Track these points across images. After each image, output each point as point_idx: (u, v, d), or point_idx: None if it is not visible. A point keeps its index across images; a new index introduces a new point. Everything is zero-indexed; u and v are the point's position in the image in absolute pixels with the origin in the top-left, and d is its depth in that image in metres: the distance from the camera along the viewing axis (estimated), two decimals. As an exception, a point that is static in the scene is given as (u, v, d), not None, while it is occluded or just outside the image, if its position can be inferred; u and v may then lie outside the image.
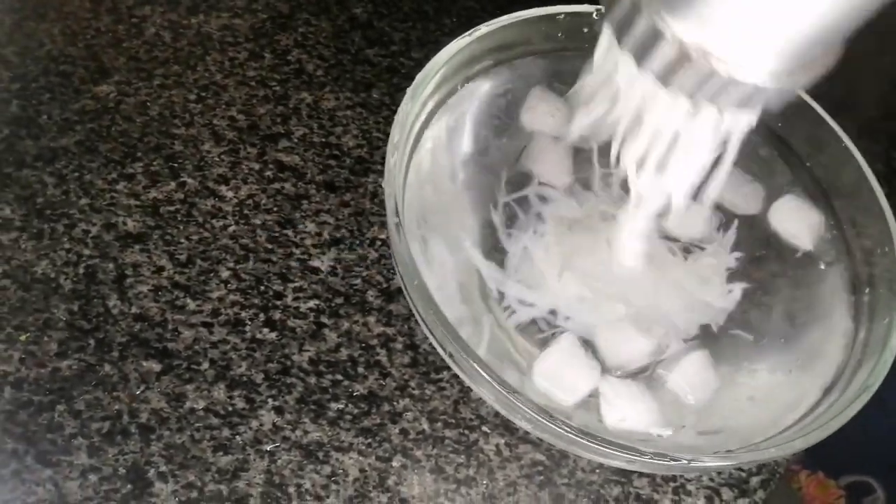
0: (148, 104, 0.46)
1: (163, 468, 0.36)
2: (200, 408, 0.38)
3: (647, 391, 0.35)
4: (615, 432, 0.33)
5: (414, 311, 0.34)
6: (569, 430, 0.29)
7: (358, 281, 0.42)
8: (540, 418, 0.29)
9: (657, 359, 0.36)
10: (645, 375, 0.36)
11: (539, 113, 0.41)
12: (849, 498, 0.65)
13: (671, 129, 0.26)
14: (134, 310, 0.40)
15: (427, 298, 0.31)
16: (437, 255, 0.37)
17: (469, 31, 0.39)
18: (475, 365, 0.30)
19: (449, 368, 0.37)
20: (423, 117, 0.38)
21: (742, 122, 0.26)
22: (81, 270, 0.40)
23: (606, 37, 0.26)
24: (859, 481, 0.64)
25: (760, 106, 0.23)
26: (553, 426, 0.29)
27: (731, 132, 0.26)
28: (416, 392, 0.39)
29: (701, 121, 0.25)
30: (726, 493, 0.39)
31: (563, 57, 0.42)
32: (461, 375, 0.32)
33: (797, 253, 0.40)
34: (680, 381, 0.35)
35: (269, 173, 0.45)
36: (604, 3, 0.23)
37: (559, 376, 0.34)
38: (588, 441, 0.29)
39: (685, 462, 0.29)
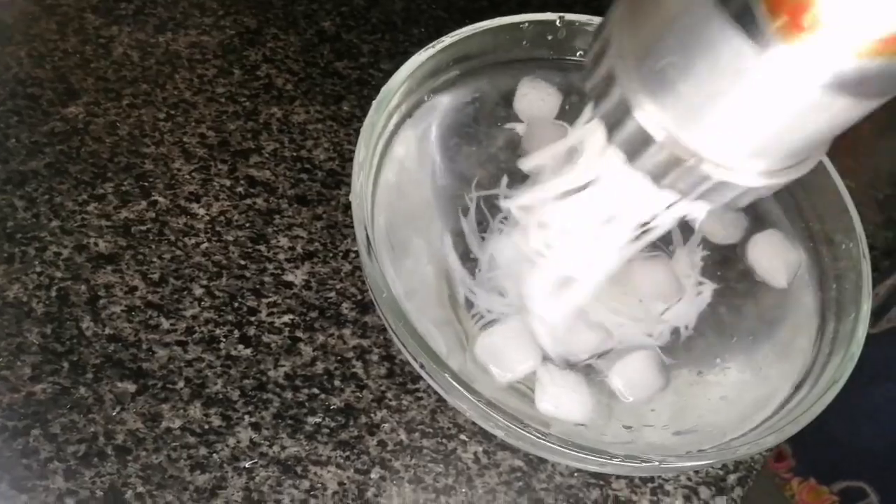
0: (117, 124, 0.46)
1: (140, 489, 0.36)
2: (177, 427, 0.38)
3: (584, 384, 0.35)
4: (546, 419, 0.33)
5: (385, 324, 0.34)
6: (541, 436, 0.29)
7: (332, 294, 0.42)
8: (512, 426, 0.29)
9: (599, 353, 0.36)
10: (585, 368, 0.37)
11: (532, 99, 0.42)
12: (843, 503, 0.66)
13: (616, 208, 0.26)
14: (108, 331, 0.40)
15: (396, 310, 0.31)
16: (408, 265, 0.37)
17: (432, 43, 0.39)
18: (446, 376, 0.30)
19: (424, 380, 0.37)
20: (389, 129, 0.38)
21: (702, 209, 0.25)
22: (54, 293, 0.40)
23: (592, 127, 0.25)
24: (852, 486, 0.65)
25: (744, 201, 0.23)
26: (526, 433, 0.29)
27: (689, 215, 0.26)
28: (394, 403, 0.40)
29: (671, 210, 0.25)
30: (704, 492, 0.39)
31: (527, 65, 0.42)
32: (434, 387, 0.33)
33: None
34: (617, 380, 0.35)
35: (240, 189, 0.45)
36: (589, 88, 0.22)
37: (499, 353, 0.34)
38: (560, 446, 0.29)
39: (656, 464, 0.29)
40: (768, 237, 0.39)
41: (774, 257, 0.38)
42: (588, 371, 0.36)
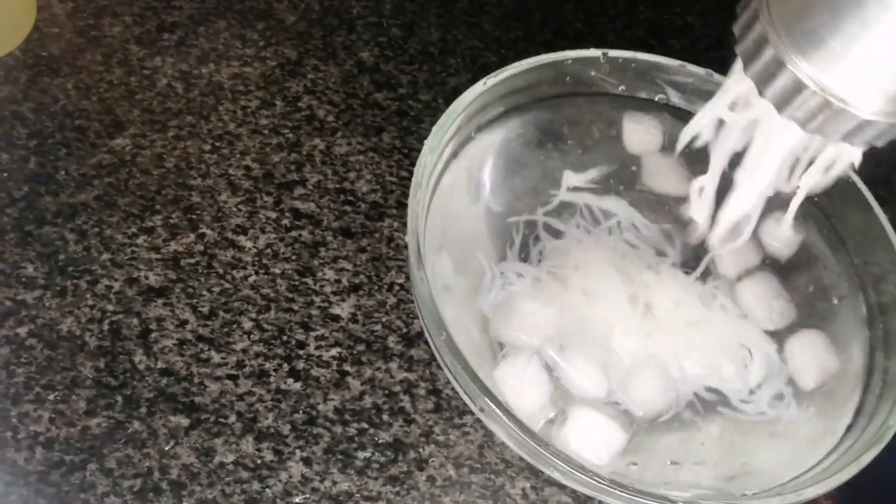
0: (164, 156, 0.47)
1: (195, 523, 0.37)
2: (230, 461, 0.38)
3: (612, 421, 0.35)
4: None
5: (442, 365, 0.34)
6: (599, 480, 0.29)
7: (378, 327, 0.43)
8: (572, 470, 0.30)
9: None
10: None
11: (641, 133, 0.43)
12: None
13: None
14: (160, 364, 0.40)
15: (456, 354, 0.32)
16: (457, 300, 0.37)
17: (481, 81, 0.40)
18: (505, 419, 0.30)
19: (472, 412, 0.37)
20: (439, 167, 0.39)
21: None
22: (106, 327, 0.41)
23: (740, 78, 0.28)
24: None
25: (866, 140, 0.26)
26: (584, 477, 0.30)
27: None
28: (441, 438, 0.40)
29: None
30: (750, 527, 0.40)
31: (572, 101, 0.43)
32: (492, 428, 0.33)
33: (810, 287, 0.41)
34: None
35: (285, 222, 0.46)
36: (741, 51, 0.25)
37: (518, 387, 0.36)
38: (618, 490, 0.29)
39: (715, 509, 0.29)
40: (812, 337, 0.39)
41: (811, 357, 0.38)
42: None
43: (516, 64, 0.41)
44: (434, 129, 0.38)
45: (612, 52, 0.43)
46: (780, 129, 0.28)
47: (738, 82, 0.29)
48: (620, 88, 0.44)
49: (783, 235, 0.41)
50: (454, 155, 0.40)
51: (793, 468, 0.33)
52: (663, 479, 0.34)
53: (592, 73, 0.43)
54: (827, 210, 0.42)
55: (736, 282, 0.41)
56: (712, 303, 0.40)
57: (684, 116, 0.43)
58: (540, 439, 0.30)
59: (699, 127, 0.33)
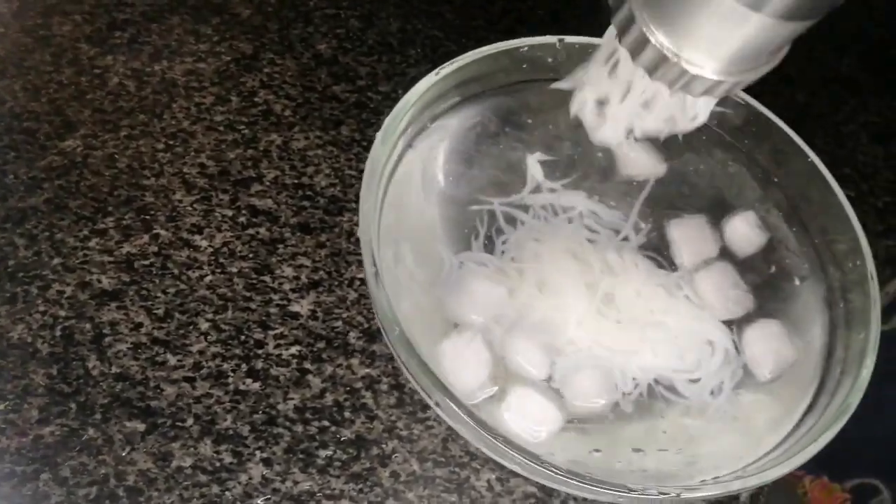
0: (116, 156, 0.46)
1: (153, 530, 0.36)
2: (188, 465, 0.37)
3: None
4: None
5: (397, 360, 0.34)
6: (557, 471, 0.29)
7: (339, 323, 0.42)
8: (529, 461, 0.29)
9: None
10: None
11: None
12: (854, 501, 0.66)
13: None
14: (114, 369, 0.39)
15: (409, 348, 0.31)
16: (413, 292, 0.37)
17: (434, 71, 0.39)
18: (461, 413, 0.30)
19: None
20: (394, 158, 0.38)
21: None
22: (58, 333, 0.40)
23: (611, 33, 0.31)
24: (864, 483, 0.65)
25: (722, 93, 0.29)
26: (542, 469, 0.29)
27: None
28: (404, 433, 0.39)
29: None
30: (718, 512, 0.39)
31: (528, 88, 0.42)
32: (450, 423, 0.32)
33: (771, 268, 0.41)
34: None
35: (242, 219, 0.45)
36: (613, 9, 0.29)
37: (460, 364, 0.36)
38: (576, 480, 0.29)
39: (674, 495, 0.29)
40: (769, 327, 0.39)
41: (767, 348, 0.38)
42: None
43: (471, 52, 0.40)
44: (387, 119, 0.37)
45: (568, 39, 0.42)
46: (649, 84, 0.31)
47: (614, 45, 0.31)
48: (578, 74, 0.43)
49: (747, 234, 0.41)
50: (409, 145, 0.39)
51: (753, 451, 0.32)
52: (628, 467, 0.34)
53: (549, 60, 0.42)
54: (788, 191, 0.42)
55: (694, 272, 0.41)
56: (676, 293, 0.39)
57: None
58: (495, 431, 0.29)
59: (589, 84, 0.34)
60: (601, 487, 0.29)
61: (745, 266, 0.41)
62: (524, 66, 0.42)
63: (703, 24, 0.26)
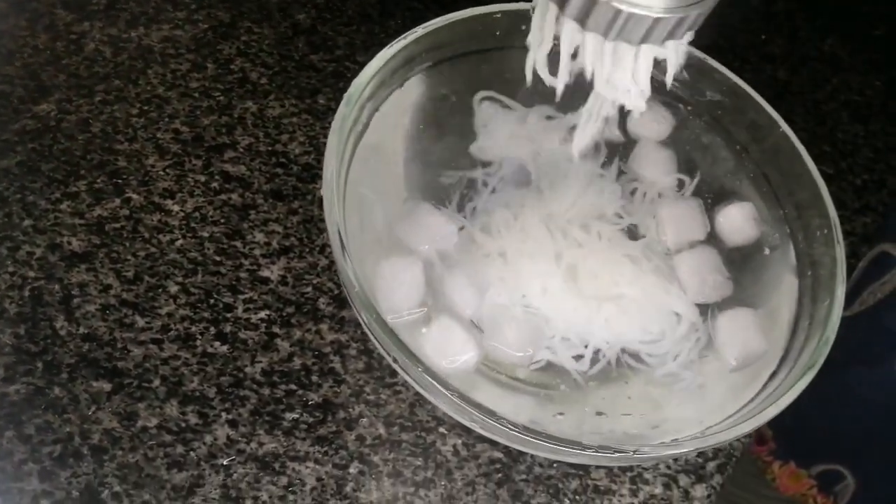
0: (90, 121, 0.46)
1: (117, 488, 0.36)
2: (153, 425, 0.37)
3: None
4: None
5: (359, 319, 0.34)
6: (515, 428, 0.29)
7: (309, 289, 0.42)
8: (487, 419, 0.29)
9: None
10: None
11: (646, 119, 0.42)
12: (820, 486, 0.66)
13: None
14: (82, 330, 0.39)
15: (368, 305, 0.31)
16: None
17: (404, 35, 0.39)
18: (419, 370, 0.30)
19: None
20: (362, 122, 0.38)
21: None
22: (27, 293, 0.40)
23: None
24: (829, 469, 0.65)
25: (665, 36, 0.26)
26: (500, 426, 0.29)
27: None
28: (372, 397, 0.39)
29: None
30: (683, 480, 0.39)
31: (501, 55, 0.42)
32: (409, 382, 0.32)
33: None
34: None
35: (215, 185, 0.45)
36: None
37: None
38: (534, 438, 0.29)
39: (629, 453, 0.29)
40: (742, 315, 0.38)
41: (737, 336, 0.37)
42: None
43: (442, 17, 0.40)
44: (354, 81, 0.37)
45: (543, 5, 0.42)
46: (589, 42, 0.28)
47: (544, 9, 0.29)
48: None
49: (740, 225, 0.41)
50: (377, 109, 0.39)
51: (715, 416, 0.32)
52: (589, 429, 0.34)
53: (523, 27, 0.42)
54: (761, 162, 0.42)
55: (676, 253, 0.40)
56: (643, 264, 0.39)
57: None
58: (454, 389, 0.29)
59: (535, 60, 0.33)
60: (557, 445, 0.29)
61: (731, 254, 0.40)
62: (497, 32, 0.42)
63: None
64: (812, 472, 0.66)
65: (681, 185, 0.42)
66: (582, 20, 0.25)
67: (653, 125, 0.43)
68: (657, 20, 0.25)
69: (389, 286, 0.35)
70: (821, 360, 0.32)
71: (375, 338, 0.32)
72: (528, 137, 0.42)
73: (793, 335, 0.36)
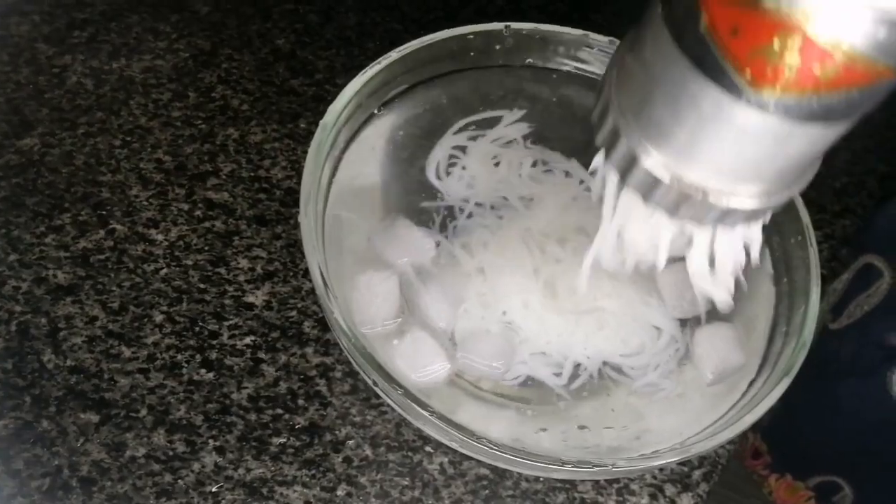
0: (73, 153, 0.46)
1: (107, 519, 0.36)
2: (141, 455, 0.38)
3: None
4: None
5: (339, 342, 0.34)
6: (494, 447, 0.29)
7: (293, 313, 0.42)
8: (465, 438, 0.29)
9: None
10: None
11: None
12: (818, 498, 0.66)
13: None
14: (69, 362, 0.40)
15: (346, 330, 0.31)
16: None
17: (378, 60, 0.39)
18: (399, 393, 0.30)
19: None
20: (339, 146, 0.39)
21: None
22: (14, 327, 0.40)
23: (609, 179, 0.27)
24: (826, 481, 0.65)
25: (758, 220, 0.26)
26: (477, 444, 0.29)
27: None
28: (358, 419, 0.40)
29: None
30: (669, 489, 0.40)
31: (477, 75, 0.43)
32: (389, 402, 0.33)
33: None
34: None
35: (198, 213, 0.45)
36: (599, 142, 0.26)
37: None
38: (514, 456, 0.29)
39: (608, 467, 0.29)
40: (720, 330, 0.38)
41: (715, 350, 0.37)
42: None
43: (417, 41, 0.41)
44: (329, 107, 0.38)
45: (515, 25, 0.42)
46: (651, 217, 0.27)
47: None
48: (527, 60, 0.44)
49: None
50: (356, 133, 0.39)
51: (694, 426, 0.33)
52: (573, 444, 0.34)
53: (497, 47, 0.43)
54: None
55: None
56: (622, 278, 0.39)
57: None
58: (433, 410, 0.30)
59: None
60: (537, 462, 0.29)
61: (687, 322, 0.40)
62: (471, 53, 0.42)
63: (708, 134, 0.22)
64: (809, 485, 0.66)
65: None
66: (644, 195, 0.25)
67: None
68: (754, 211, 0.24)
69: (364, 298, 0.35)
70: (797, 366, 0.33)
71: (354, 361, 0.32)
72: (497, 168, 0.42)
73: (770, 343, 0.36)
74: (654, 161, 0.24)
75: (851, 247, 0.62)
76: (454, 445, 0.31)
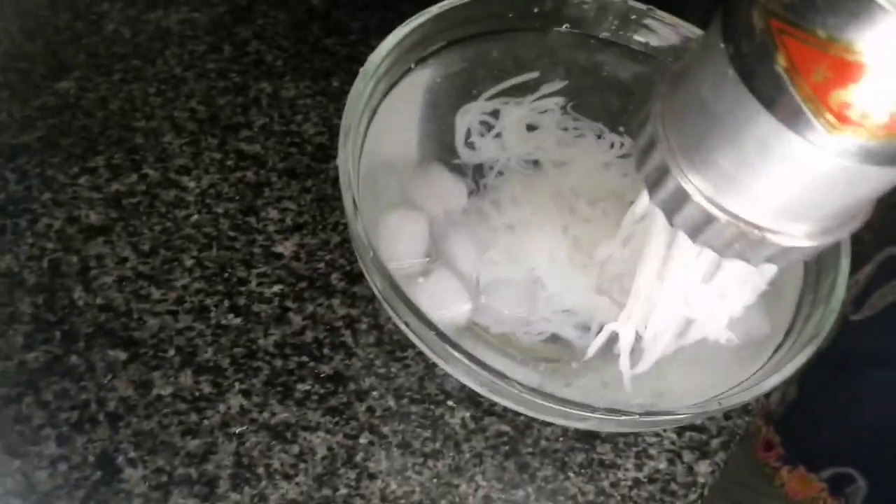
0: (108, 99, 0.47)
1: (132, 454, 0.37)
2: (167, 394, 0.38)
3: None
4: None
5: (371, 285, 0.34)
6: (524, 391, 0.30)
7: (321, 265, 0.43)
8: (496, 380, 0.30)
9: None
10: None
11: None
12: (831, 490, 0.66)
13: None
14: (99, 301, 0.40)
15: (382, 270, 0.32)
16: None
17: (418, 14, 0.39)
18: (432, 334, 0.30)
19: (414, 346, 0.37)
20: (376, 98, 0.39)
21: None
22: (45, 264, 0.41)
23: (652, 213, 0.28)
24: (840, 473, 0.65)
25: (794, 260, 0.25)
26: (509, 388, 0.30)
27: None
28: (382, 370, 0.40)
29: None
30: (687, 456, 0.40)
31: (514, 37, 0.43)
32: (419, 344, 0.33)
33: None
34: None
35: (230, 163, 0.45)
36: (644, 177, 0.25)
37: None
38: (543, 401, 0.30)
39: (635, 417, 0.30)
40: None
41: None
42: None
43: (457, -4, 0.41)
44: (369, 57, 0.38)
45: (554, -12, 0.42)
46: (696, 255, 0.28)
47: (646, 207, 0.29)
48: (565, 26, 0.44)
49: None
50: (392, 86, 0.40)
51: (719, 387, 0.33)
52: (595, 400, 0.34)
53: (535, 10, 0.43)
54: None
55: None
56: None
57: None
58: (464, 351, 0.30)
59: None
60: (566, 408, 0.29)
61: None
62: (510, 14, 0.42)
63: (772, 173, 0.21)
64: (822, 476, 0.67)
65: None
66: (692, 234, 0.24)
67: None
68: (811, 248, 0.24)
69: (393, 235, 0.36)
70: (824, 332, 0.33)
71: (388, 302, 0.33)
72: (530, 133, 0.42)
73: (798, 310, 0.36)
74: (708, 201, 0.23)
75: (875, 239, 0.62)
76: (482, 390, 0.32)
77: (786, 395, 0.70)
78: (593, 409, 0.29)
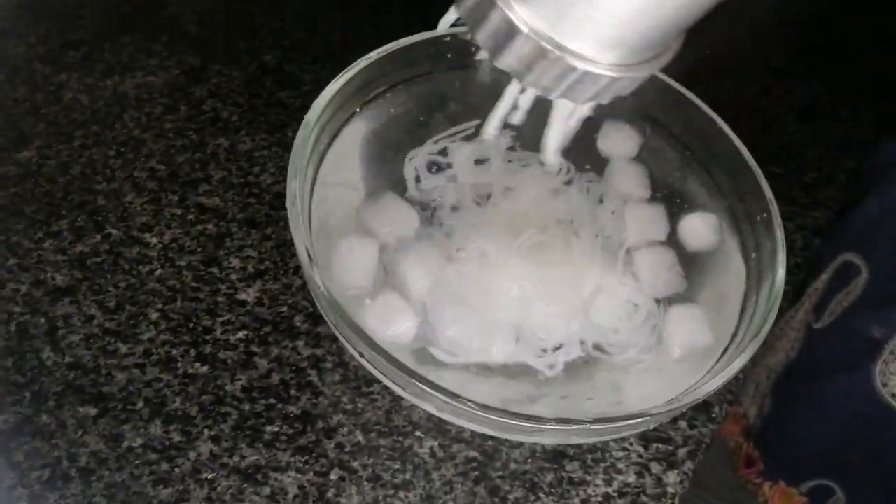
0: (69, 164, 0.48)
1: (105, 508, 0.37)
2: (138, 445, 0.39)
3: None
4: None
5: (327, 321, 0.35)
6: (474, 407, 0.31)
7: (284, 308, 0.44)
8: (448, 400, 0.31)
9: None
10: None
11: (615, 139, 0.45)
12: (812, 503, 0.67)
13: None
14: (67, 359, 0.41)
15: (333, 304, 0.33)
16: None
17: (358, 60, 0.41)
18: (381, 359, 0.31)
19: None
20: (323, 142, 0.40)
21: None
22: (13, 327, 0.42)
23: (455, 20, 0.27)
24: (819, 485, 0.66)
25: (611, 95, 0.25)
26: (459, 406, 0.31)
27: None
28: (349, 406, 0.41)
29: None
30: (655, 467, 0.41)
31: (454, 75, 0.45)
32: (370, 370, 0.34)
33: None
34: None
35: (191, 217, 0.47)
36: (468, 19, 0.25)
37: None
38: (493, 416, 0.31)
39: (586, 425, 0.31)
40: (690, 310, 0.40)
41: (684, 329, 0.39)
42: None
43: (395, 42, 0.43)
44: (312, 104, 0.40)
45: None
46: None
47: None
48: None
49: (701, 232, 0.43)
50: (338, 131, 0.41)
51: (669, 395, 0.34)
52: (555, 413, 0.35)
53: (473, 49, 0.45)
54: (702, 159, 0.44)
55: (635, 250, 0.42)
56: (601, 261, 0.41)
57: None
58: (418, 375, 0.31)
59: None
60: (515, 421, 0.30)
61: (690, 258, 0.42)
62: (448, 55, 0.44)
63: None
64: (802, 490, 0.67)
65: (652, 196, 0.44)
66: (522, 73, 0.24)
67: (623, 143, 0.45)
68: (612, 80, 0.23)
69: (345, 261, 0.37)
70: (765, 331, 0.34)
71: (330, 319, 0.34)
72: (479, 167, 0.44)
73: (741, 315, 0.37)
74: (513, 11, 0.22)
75: (828, 246, 0.64)
76: (431, 409, 0.33)
77: (762, 408, 0.71)
78: (545, 421, 0.30)
